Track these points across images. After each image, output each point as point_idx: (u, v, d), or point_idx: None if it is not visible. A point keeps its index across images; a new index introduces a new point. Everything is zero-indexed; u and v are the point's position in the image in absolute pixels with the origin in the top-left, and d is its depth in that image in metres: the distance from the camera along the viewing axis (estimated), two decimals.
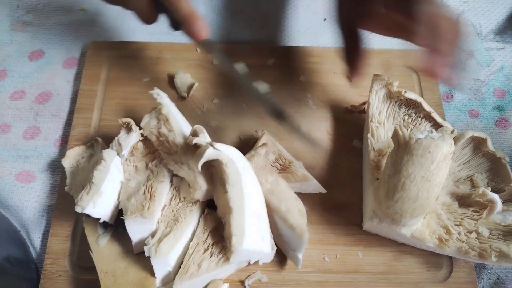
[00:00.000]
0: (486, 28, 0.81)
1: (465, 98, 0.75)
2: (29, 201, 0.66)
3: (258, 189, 0.58)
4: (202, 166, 0.54)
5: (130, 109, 0.70)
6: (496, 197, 0.55)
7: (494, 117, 0.73)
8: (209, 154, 0.51)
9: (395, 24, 0.56)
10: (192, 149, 0.56)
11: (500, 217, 0.56)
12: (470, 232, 0.55)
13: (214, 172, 0.58)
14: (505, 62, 0.78)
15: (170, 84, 0.73)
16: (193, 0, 0.82)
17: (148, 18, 0.59)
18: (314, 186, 0.61)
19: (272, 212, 0.58)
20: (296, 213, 0.57)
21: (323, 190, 0.62)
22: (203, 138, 0.55)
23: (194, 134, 0.55)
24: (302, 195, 0.64)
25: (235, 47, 0.76)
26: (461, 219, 0.56)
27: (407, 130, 0.63)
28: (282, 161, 0.62)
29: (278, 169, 0.62)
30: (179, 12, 0.56)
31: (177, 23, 0.60)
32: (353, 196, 0.65)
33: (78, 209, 0.54)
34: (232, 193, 0.53)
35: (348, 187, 0.65)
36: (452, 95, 0.75)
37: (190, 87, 0.71)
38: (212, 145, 0.52)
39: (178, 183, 0.60)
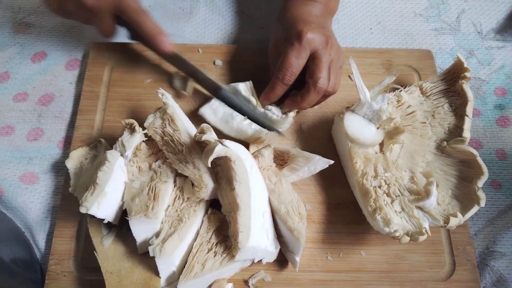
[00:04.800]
0: (487, 27, 0.81)
1: None
2: (33, 203, 0.66)
3: (263, 188, 0.58)
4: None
5: (133, 110, 0.71)
6: (433, 196, 0.56)
7: (495, 116, 0.73)
8: (218, 150, 0.51)
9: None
10: (197, 149, 0.57)
11: (421, 214, 0.57)
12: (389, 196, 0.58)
13: (219, 171, 0.58)
14: (506, 61, 0.78)
15: (172, 84, 0.73)
16: (194, 1, 0.83)
17: (108, 33, 0.65)
18: (321, 162, 0.61)
19: (273, 212, 0.59)
20: (296, 215, 0.57)
21: (331, 161, 0.61)
22: (211, 136, 0.55)
23: (202, 132, 0.56)
24: (306, 195, 0.65)
25: (236, 47, 0.77)
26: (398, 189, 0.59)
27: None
28: (280, 155, 0.62)
29: (281, 165, 0.62)
30: (144, 31, 0.62)
31: (136, 35, 0.66)
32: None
33: (82, 210, 0.54)
34: (240, 190, 0.54)
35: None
36: None
37: (186, 86, 0.72)
38: (221, 142, 0.52)
39: (181, 183, 0.60)
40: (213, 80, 0.68)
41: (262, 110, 0.66)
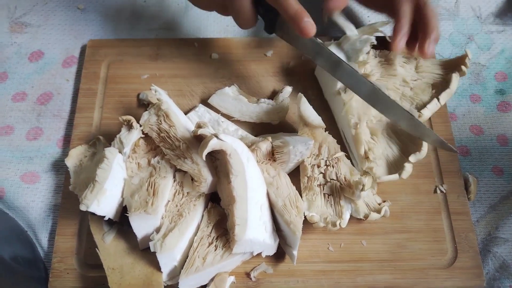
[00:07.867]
0: (486, 11, 0.80)
1: (466, 83, 0.74)
2: (35, 202, 0.66)
3: (261, 181, 0.58)
4: (207, 159, 0.55)
5: (130, 106, 0.71)
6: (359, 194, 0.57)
7: (495, 101, 0.73)
8: (213, 144, 0.51)
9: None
10: (194, 143, 0.57)
11: (346, 204, 0.59)
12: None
13: (218, 165, 0.58)
14: (506, 45, 0.77)
15: (169, 80, 0.73)
16: None
17: (248, 23, 0.61)
18: (299, 147, 0.59)
19: (271, 206, 0.59)
20: (293, 209, 0.57)
21: (311, 141, 0.59)
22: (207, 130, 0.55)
23: (199, 127, 0.56)
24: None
25: (232, 40, 0.76)
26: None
27: None
28: (274, 149, 0.62)
29: (274, 160, 0.62)
30: (288, 11, 0.56)
31: (272, 26, 0.62)
32: None
33: (82, 208, 0.55)
34: (236, 183, 0.54)
35: None
36: None
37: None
38: (216, 136, 0.52)
39: (181, 178, 0.60)
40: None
41: (255, 104, 0.66)
